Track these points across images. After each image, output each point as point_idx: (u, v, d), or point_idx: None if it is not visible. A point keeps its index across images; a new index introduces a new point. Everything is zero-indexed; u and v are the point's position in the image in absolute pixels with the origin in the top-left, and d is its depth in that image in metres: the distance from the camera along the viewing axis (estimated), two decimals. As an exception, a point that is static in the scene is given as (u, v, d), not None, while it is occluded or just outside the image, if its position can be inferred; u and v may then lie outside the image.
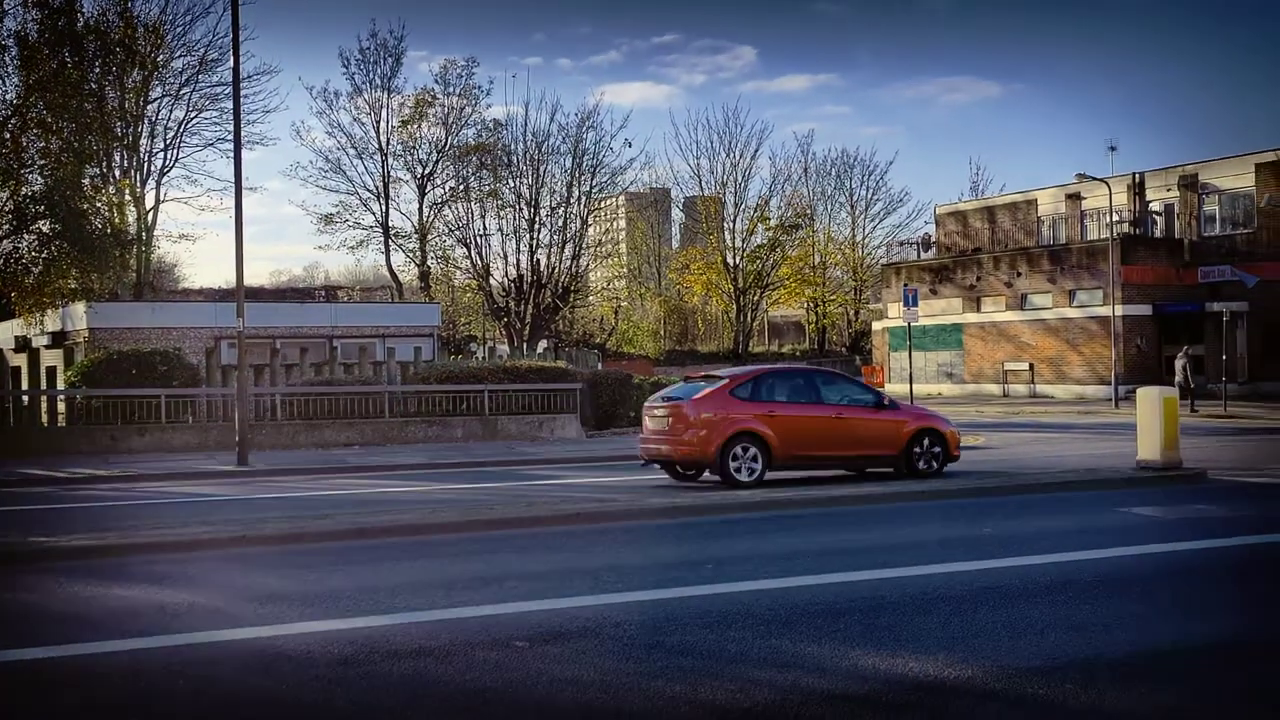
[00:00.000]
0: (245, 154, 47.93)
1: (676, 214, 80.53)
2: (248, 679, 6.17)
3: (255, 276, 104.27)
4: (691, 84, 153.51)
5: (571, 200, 51.42)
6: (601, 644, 6.72)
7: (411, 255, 55.69)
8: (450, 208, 53.23)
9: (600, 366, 38.49)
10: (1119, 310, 40.72)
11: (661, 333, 71.88)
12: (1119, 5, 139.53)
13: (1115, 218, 43.08)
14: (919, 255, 55.69)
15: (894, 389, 48.63)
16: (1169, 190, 44.26)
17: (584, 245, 54.71)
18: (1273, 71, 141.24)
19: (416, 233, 54.66)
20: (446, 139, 53.99)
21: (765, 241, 64.00)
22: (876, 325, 54.97)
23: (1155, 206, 45.08)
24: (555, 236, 51.22)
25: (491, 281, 51.76)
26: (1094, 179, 43.08)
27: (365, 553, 10.29)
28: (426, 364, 29.47)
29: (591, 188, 52.57)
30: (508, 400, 26.22)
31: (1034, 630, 6.95)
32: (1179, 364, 33.76)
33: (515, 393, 26.32)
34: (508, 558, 9.97)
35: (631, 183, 59.30)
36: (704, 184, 65.97)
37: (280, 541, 10.83)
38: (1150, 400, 15.81)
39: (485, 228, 51.58)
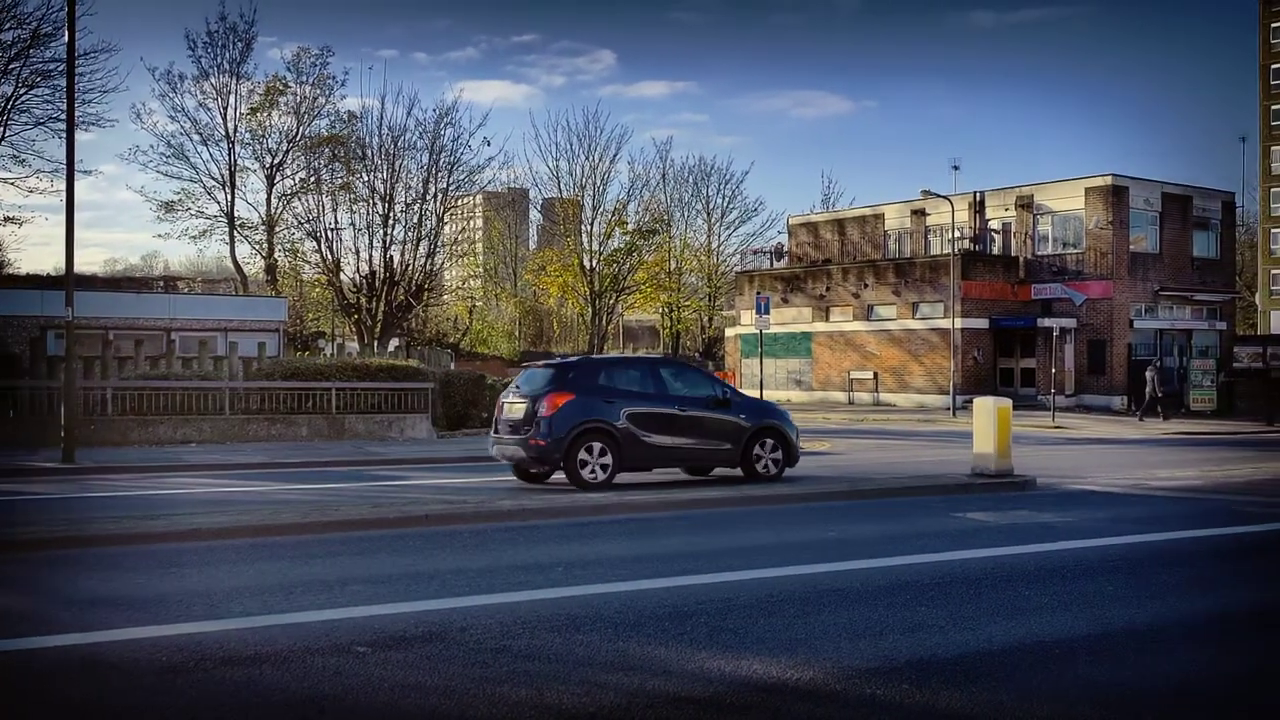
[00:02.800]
0: (79, 135, 45.50)
1: (534, 215, 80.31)
2: (67, 688, 5.82)
3: (88, 264, 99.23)
4: (551, 85, 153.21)
5: (428, 197, 50.58)
6: (447, 649, 6.59)
7: (258, 247, 53.87)
8: (300, 200, 51.66)
9: (453, 366, 38.00)
10: (959, 323, 42.41)
11: (516, 334, 71.50)
12: (964, 32, 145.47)
13: (957, 234, 44.87)
14: (772, 264, 56.86)
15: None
16: (1007, 210, 46.34)
17: (439, 243, 53.85)
18: (1102, 103, 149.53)
19: (264, 224, 52.89)
20: (298, 129, 52.47)
21: (622, 245, 64.33)
22: (729, 332, 55.86)
23: (994, 225, 47.14)
24: (410, 233, 50.29)
25: (342, 277, 50.45)
26: (938, 196, 44.78)
27: (200, 555, 9.86)
28: (271, 360, 28.54)
29: (448, 185, 51.83)
30: (356, 399, 25.61)
31: (873, 632, 7.13)
32: (1149, 375, 36.18)
33: (364, 391, 25.73)
34: (352, 561, 9.71)
35: (489, 182, 58.74)
36: (563, 186, 65.91)
37: (106, 543, 10.28)
38: (985, 410, 16.49)
39: (337, 222, 50.26)
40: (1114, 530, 11.73)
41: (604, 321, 65.48)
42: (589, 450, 14.58)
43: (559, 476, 15.35)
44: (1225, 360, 42.80)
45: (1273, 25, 79.70)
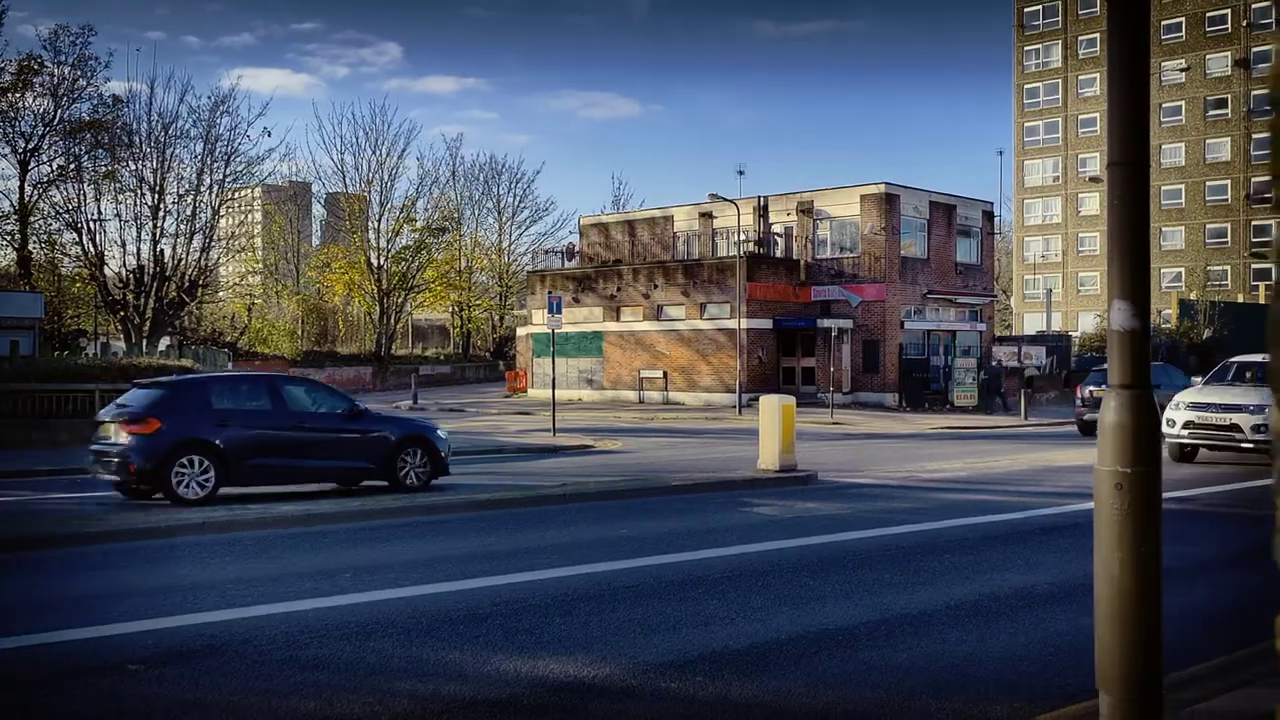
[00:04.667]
0: None
1: (318, 210, 77.74)
2: None
3: None
4: (334, 76, 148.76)
5: (202, 188, 48.23)
6: (228, 662, 6.27)
7: (9, 239, 49.89)
8: (59, 188, 48.21)
9: (231, 367, 36.33)
10: (744, 324, 43.76)
11: (299, 333, 69.02)
12: (747, 41, 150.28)
13: (742, 237, 46.28)
14: (563, 264, 57.08)
15: (537, 394, 49.52)
16: (789, 214, 48.14)
17: (215, 237, 51.38)
18: (875, 114, 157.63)
19: (16, 213, 49.00)
20: (56, 112, 48.92)
21: (411, 243, 63.19)
22: (521, 331, 55.72)
23: (777, 229, 48.86)
24: (183, 226, 47.82)
25: (107, 272, 47.41)
26: (724, 200, 46.04)
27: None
28: (26, 360, 26.47)
29: (225, 176, 49.59)
30: (124, 401, 24.04)
31: (667, 626, 7.25)
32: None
33: (133, 393, 24.18)
34: (122, 574, 9.11)
35: (270, 174, 56.46)
36: (348, 180, 64.15)
37: None
38: (770, 408, 17.06)
39: (101, 212, 47.22)
40: (890, 521, 12.36)
41: (392, 320, 64.07)
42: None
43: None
44: (985, 359, 45.87)
45: (1026, 48, 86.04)
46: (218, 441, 14.10)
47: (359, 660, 6.37)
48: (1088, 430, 27.08)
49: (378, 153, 63.03)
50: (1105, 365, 32.61)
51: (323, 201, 71.65)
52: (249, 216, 74.13)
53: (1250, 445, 18.41)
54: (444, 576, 8.87)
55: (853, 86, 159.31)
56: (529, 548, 10.60)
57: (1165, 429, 19.08)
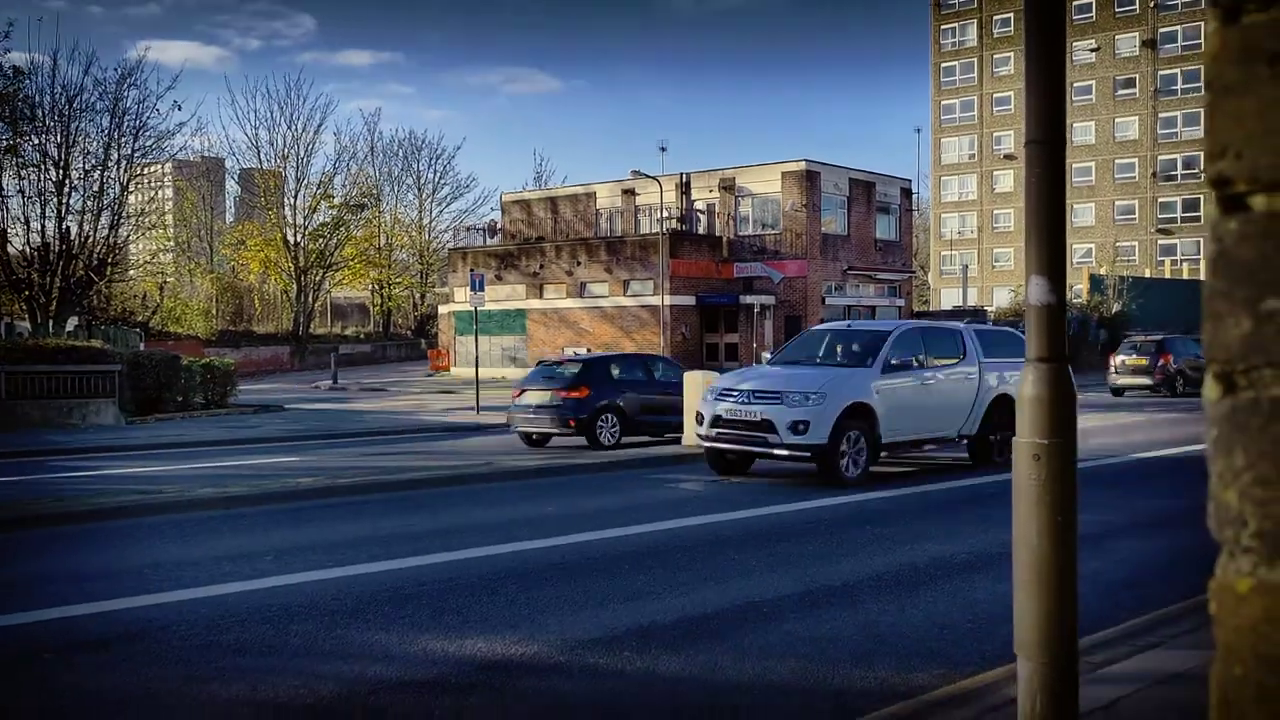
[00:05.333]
0: None
1: (232, 186, 76.05)
2: None
3: None
4: (246, 49, 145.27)
5: (110, 164, 46.72)
6: (148, 648, 6.14)
7: (-98, 216, 47.87)
8: (-43, 163, 46.34)
9: (143, 347, 35.46)
10: (668, 300, 43.89)
11: (214, 312, 67.49)
12: (667, 18, 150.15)
13: (665, 214, 46.37)
14: (485, 241, 56.60)
15: (460, 373, 49.11)
16: (711, 191, 48.30)
17: (124, 214, 49.89)
18: (796, 92, 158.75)
19: (-91, 189, 47.02)
20: (-49, 84, 46.92)
21: (329, 220, 62.10)
22: (443, 309, 55.20)
23: (700, 205, 49.02)
24: (90, 203, 46.28)
25: (10, 250, 45.78)
26: (647, 176, 46.03)
27: None
28: (-74, 341, 25.51)
29: (134, 151, 48.04)
30: (30, 384, 23.32)
31: (595, 603, 7.27)
32: None
33: (40, 375, 23.47)
34: (34, 560, 8.85)
35: (181, 149, 54.91)
36: (263, 156, 62.76)
37: None
38: (695, 383, 17.14)
39: (2, 188, 45.52)
40: (814, 494, 12.51)
41: (310, 299, 62.97)
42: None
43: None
44: (903, 334, 46.62)
45: (943, 27, 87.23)
46: (621, 404, 18.32)
47: (283, 643, 6.28)
48: (1119, 393, 31.25)
49: (293, 128, 61.78)
50: (1131, 338, 33.07)
51: (236, 177, 70.08)
52: (160, 193, 72.18)
53: (784, 453, 13.05)
54: (368, 558, 8.78)
55: (774, 64, 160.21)
56: (455, 527, 10.53)
57: (696, 427, 14.20)
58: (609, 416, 18.16)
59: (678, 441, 17.52)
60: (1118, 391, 31.22)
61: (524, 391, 18.70)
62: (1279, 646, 0.61)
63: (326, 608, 7.09)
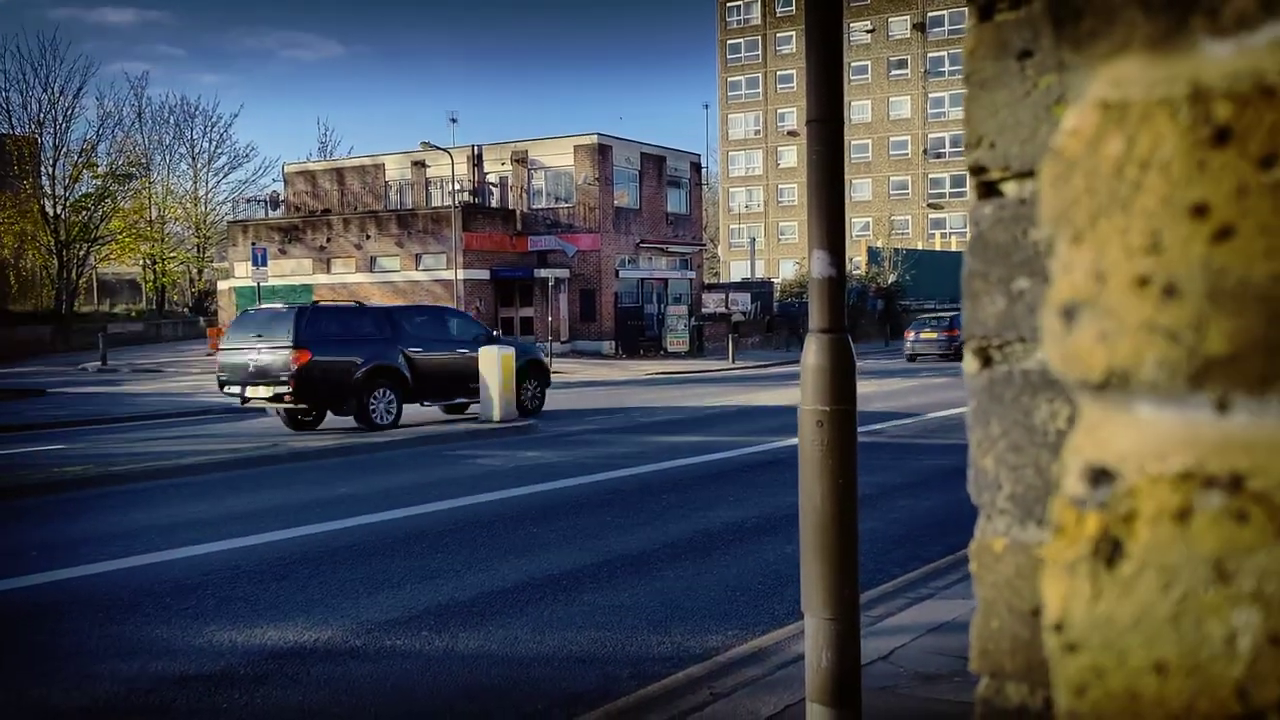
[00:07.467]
0: None
1: (-19, 153, 69.94)
2: None
3: None
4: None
5: None
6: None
7: None
8: None
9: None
10: (461, 275, 43.34)
11: (-36, 290, 62.14)
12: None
13: (457, 187, 45.68)
14: (268, 214, 54.30)
15: (243, 351, 47.00)
16: (504, 164, 47.89)
17: None
18: (587, 65, 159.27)
19: None
20: None
21: (93, 190, 58.16)
22: (223, 285, 52.69)
23: (492, 178, 48.53)
24: None
25: None
26: (438, 148, 45.20)
27: None
28: None
29: None
30: None
31: (391, 583, 7.14)
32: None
33: None
34: None
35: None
36: (15, 121, 58.07)
37: None
38: (491, 358, 17.04)
39: None
40: (610, 466, 12.67)
41: (74, 275, 58.89)
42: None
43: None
44: (695, 306, 47.69)
45: (729, 5, 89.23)
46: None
47: (53, 644, 5.89)
48: (913, 359, 35.04)
49: (49, 91, 57.43)
50: (926, 315, 36.18)
51: (-14, 144, 64.45)
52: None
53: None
54: (145, 548, 8.32)
55: (566, 37, 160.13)
56: (240, 513, 10.11)
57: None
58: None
59: (474, 417, 17.28)
60: (912, 358, 35.48)
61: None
62: (1029, 601, 0.66)
63: (98, 603, 6.69)
